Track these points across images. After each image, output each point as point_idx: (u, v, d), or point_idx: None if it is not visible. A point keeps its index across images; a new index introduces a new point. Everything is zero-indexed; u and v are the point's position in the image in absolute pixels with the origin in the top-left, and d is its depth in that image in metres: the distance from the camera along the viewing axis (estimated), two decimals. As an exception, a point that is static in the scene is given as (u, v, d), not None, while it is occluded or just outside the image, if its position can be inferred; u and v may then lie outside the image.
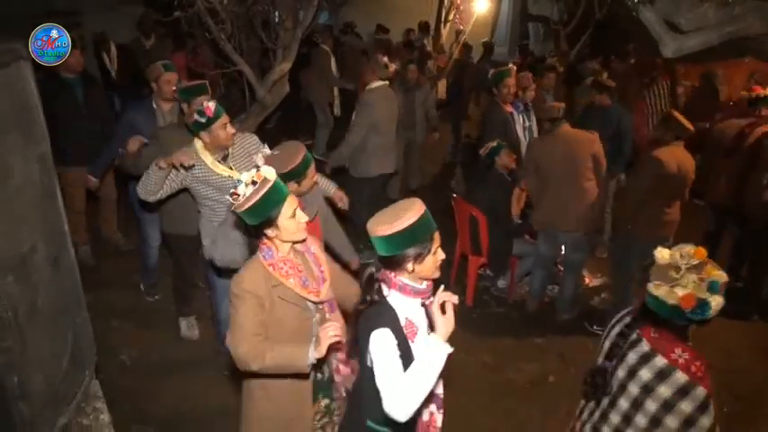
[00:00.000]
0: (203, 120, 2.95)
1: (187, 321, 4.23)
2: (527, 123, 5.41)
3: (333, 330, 2.05)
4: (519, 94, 5.29)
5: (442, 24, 9.97)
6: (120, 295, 4.68)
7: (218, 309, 3.68)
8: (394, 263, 1.94)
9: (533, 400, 3.73)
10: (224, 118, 3.02)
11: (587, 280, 5.12)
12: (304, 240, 2.26)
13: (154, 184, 3.01)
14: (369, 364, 1.95)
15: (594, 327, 4.43)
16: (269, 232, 2.11)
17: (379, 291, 1.99)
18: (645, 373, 1.96)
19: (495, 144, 4.44)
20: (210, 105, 2.95)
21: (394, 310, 1.96)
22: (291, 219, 2.11)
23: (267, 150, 2.82)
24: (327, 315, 2.29)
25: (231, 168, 3.14)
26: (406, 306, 1.98)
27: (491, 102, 5.21)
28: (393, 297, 1.98)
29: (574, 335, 4.42)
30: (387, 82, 5.21)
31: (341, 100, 8.25)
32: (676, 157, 3.91)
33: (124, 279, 4.91)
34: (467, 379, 3.79)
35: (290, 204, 2.10)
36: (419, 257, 1.92)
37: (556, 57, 8.17)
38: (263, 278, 2.11)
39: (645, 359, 1.98)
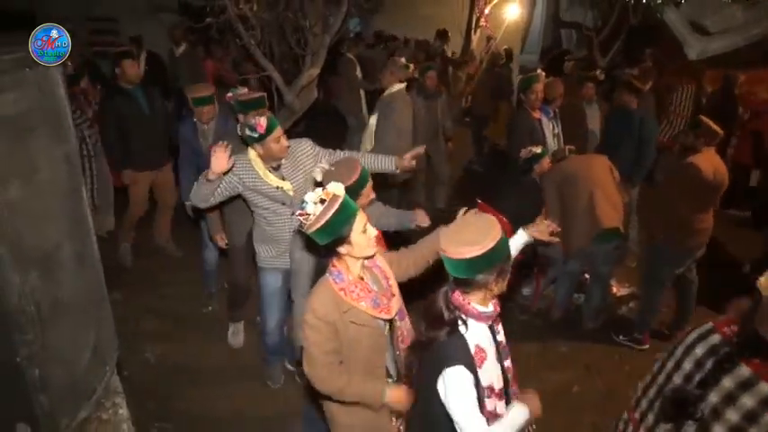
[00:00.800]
0: (255, 135, 2.91)
1: (234, 327, 4.23)
2: (556, 130, 5.33)
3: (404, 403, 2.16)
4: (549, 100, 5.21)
5: (473, 31, 9.93)
6: (149, 294, 4.76)
7: (264, 319, 3.61)
8: (474, 285, 1.89)
9: (557, 411, 3.64)
10: (277, 131, 2.95)
11: (615, 289, 5.00)
12: (374, 255, 2.22)
13: (204, 194, 2.98)
14: (442, 397, 1.91)
15: (621, 337, 4.33)
16: (341, 250, 2.07)
17: (453, 321, 1.93)
18: (747, 401, 1.84)
19: (539, 150, 4.35)
20: (262, 121, 2.88)
21: (465, 340, 1.92)
22: (363, 234, 2.06)
23: (325, 165, 2.70)
24: (398, 323, 2.28)
25: (284, 179, 3.09)
26: (475, 331, 1.95)
27: (518, 108, 5.15)
28: (467, 325, 1.93)
29: (600, 344, 4.32)
30: (405, 84, 5.21)
31: (366, 101, 8.22)
32: (713, 163, 3.81)
33: (154, 278, 5.01)
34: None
35: (360, 219, 2.04)
36: (500, 277, 1.89)
37: (598, 68, 7.86)
38: (334, 303, 2.08)
39: (746, 385, 1.85)
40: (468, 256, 1.80)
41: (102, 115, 4.94)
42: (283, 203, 3.12)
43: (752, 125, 6.70)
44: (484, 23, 8.36)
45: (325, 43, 5.49)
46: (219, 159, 2.80)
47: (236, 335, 4.21)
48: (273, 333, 3.58)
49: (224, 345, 4.19)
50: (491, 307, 1.99)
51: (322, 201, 1.97)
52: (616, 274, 4.94)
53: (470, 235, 1.84)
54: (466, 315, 1.93)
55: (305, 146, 3.21)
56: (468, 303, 1.92)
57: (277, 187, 3.07)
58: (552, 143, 5.25)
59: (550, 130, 5.27)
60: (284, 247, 3.18)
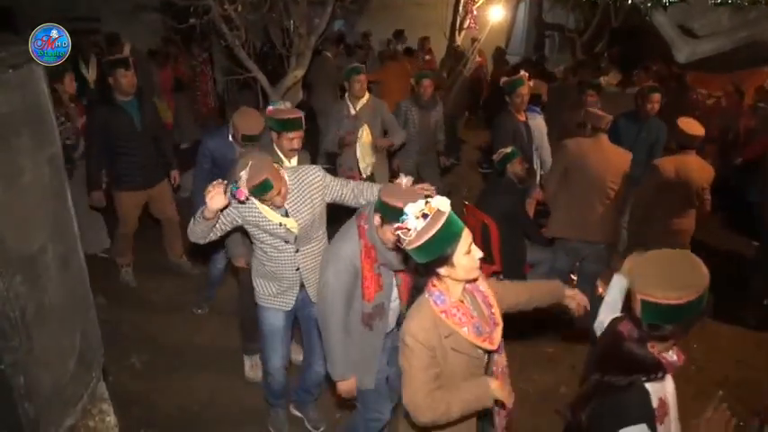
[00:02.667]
0: (233, 201, 2.63)
1: (251, 360, 3.90)
2: (547, 128, 5.39)
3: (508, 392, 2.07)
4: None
5: (457, 32, 9.97)
6: (134, 300, 4.71)
7: (265, 359, 3.26)
8: (668, 334, 1.68)
9: (544, 411, 3.67)
10: (272, 192, 2.59)
11: (600, 290, 5.03)
12: (477, 279, 2.06)
13: (201, 232, 2.73)
14: None
15: (606, 337, 4.36)
16: (441, 271, 1.92)
17: (646, 369, 1.70)
18: None
19: (508, 151, 4.40)
20: (244, 189, 2.51)
21: (648, 392, 1.70)
22: (467, 255, 1.88)
23: (403, 179, 2.46)
24: (496, 357, 2.16)
25: (287, 215, 2.78)
26: (661, 383, 1.75)
27: (503, 110, 5.17)
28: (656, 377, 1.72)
29: (586, 345, 4.33)
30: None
31: None
32: (677, 165, 3.86)
33: (139, 284, 4.94)
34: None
35: (465, 239, 1.87)
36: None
37: (610, 72, 7.62)
38: (435, 327, 1.94)
39: None
40: (679, 301, 1.58)
41: (88, 129, 4.55)
42: (287, 241, 2.86)
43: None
44: (473, 25, 8.39)
45: (310, 44, 5.48)
46: (217, 198, 2.52)
47: (254, 369, 3.87)
48: (277, 375, 3.24)
49: (211, 351, 4.14)
50: (674, 356, 1.75)
51: (424, 215, 1.82)
52: (601, 275, 4.96)
53: (680, 277, 1.62)
54: (658, 366, 1.71)
55: (313, 176, 2.83)
56: (659, 353, 1.71)
57: (280, 224, 2.79)
58: (544, 142, 5.30)
59: (540, 129, 5.31)
60: (286, 286, 2.98)
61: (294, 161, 3.41)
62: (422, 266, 1.92)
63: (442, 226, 1.79)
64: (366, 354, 2.67)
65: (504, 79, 5.23)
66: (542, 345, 4.34)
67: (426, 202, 1.85)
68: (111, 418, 2.52)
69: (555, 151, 4.77)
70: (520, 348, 4.28)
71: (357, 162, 4.95)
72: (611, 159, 4.06)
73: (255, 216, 2.76)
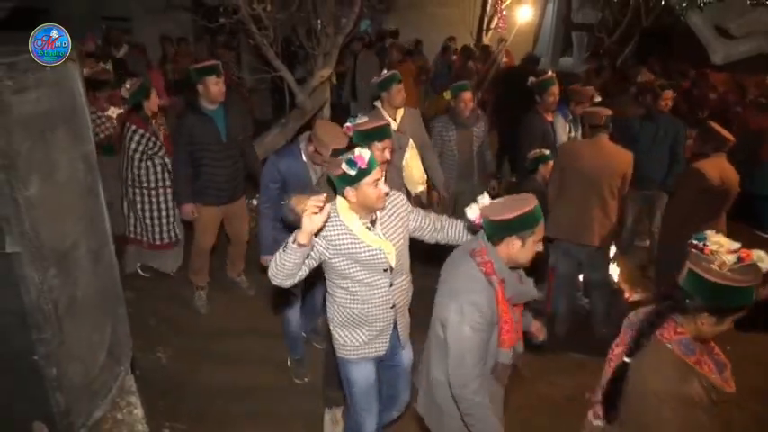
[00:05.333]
0: (353, 172, 2.23)
1: (331, 415, 3.39)
2: (573, 133, 5.31)
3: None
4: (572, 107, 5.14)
5: (484, 32, 9.92)
6: (161, 294, 4.76)
7: (358, 425, 2.73)
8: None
9: (568, 416, 3.61)
10: (376, 172, 2.28)
11: (627, 294, 4.97)
12: None
13: (292, 266, 2.21)
14: None
15: (634, 343, 4.28)
16: (705, 320, 1.80)
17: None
18: None
19: (546, 153, 4.33)
20: (364, 154, 2.24)
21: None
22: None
23: (486, 200, 2.21)
24: None
25: (381, 237, 2.40)
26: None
27: (531, 111, 5.11)
28: None
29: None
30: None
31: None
32: (719, 168, 3.77)
33: (166, 279, 4.99)
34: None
35: None
36: None
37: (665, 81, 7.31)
38: (684, 377, 1.81)
39: None
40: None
41: (175, 139, 4.25)
42: (384, 270, 2.44)
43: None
44: (501, 25, 8.32)
45: (337, 44, 5.51)
46: (316, 216, 2.08)
47: (336, 425, 3.36)
48: None
49: (237, 346, 4.19)
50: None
51: (739, 259, 1.73)
52: (631, 280, 4.91)
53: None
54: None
55: (399, 199, 2.53)
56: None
57: (379, 248, 2.38)
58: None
59: (566, 131, 5.24)
60: (378, 329, 2.54)
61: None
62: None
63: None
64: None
65: (532, 80, 5.18)
66: (569, 350, 4.28)
67: (740, 248, 1.76)
68: (139, 411, 2.56)
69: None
70: (546, 352, 4.24)
71: (402, 185, 4.06)
72: (608, 160, 3.95)
73: (349, 243, 2.34)
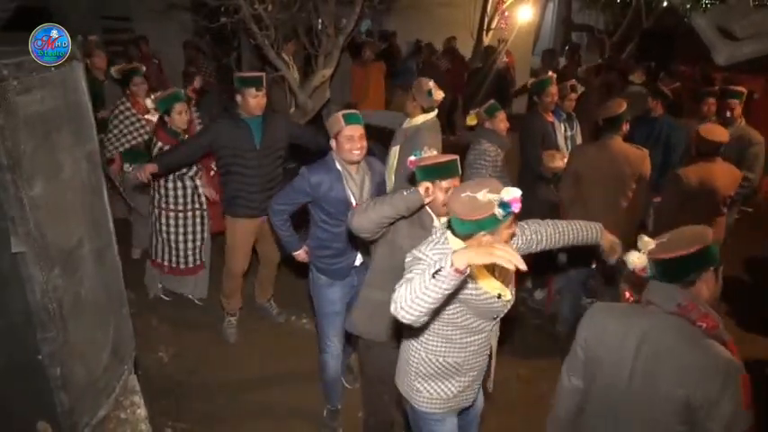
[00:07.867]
0: (506, 212, 1.84)
1: None
2: (569, 132, 5.31)
3: None
4: (558, 103, 5.17)
5: (485, 33, 9.92)
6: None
7: None
8: None
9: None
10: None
11: (627, 295, 4.97)
12: None
13: (441, 298, 1.73)
14: None
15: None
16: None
17: None
18: None
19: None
20: (518, 194, 1.84)
21: None
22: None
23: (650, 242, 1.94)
24: None
25: (501, 279, 2.14)
26: None
27: (531, 111, 5.12)
28: None
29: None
30: (433, 114, 4.13)
31: None
32: (701, 172, 3.77)
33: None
34: (500, 391, 3.72)
35: None
36: None
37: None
38: None
39: None
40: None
41: (196, 134, 4.03)
42: (494, 318, 2.24)
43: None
44: (503, 25, 8.33)
45: (338, 44, 5.51)
46: (499, 252, 1.57)
47: None
48: None
49: (239, 346, 4.20)
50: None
51: None
52: (628, 281, 4.89)
53: None
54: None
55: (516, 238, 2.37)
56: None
57: (499, 296, 2.12)
58: (565, 146, 5.23)
59: (562, 132, 5.25)
60: (471, 378, 2.31)
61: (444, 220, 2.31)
62: None
63: None
64: None
65: (530, 80, 5.20)
66: (567, 349, 4.23)
67: None
68: (142, 410, 2.56)
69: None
70: (545, 352, 4.26)
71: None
72: (625, 162, 3.89)
73: (473, 291, 2.06)
